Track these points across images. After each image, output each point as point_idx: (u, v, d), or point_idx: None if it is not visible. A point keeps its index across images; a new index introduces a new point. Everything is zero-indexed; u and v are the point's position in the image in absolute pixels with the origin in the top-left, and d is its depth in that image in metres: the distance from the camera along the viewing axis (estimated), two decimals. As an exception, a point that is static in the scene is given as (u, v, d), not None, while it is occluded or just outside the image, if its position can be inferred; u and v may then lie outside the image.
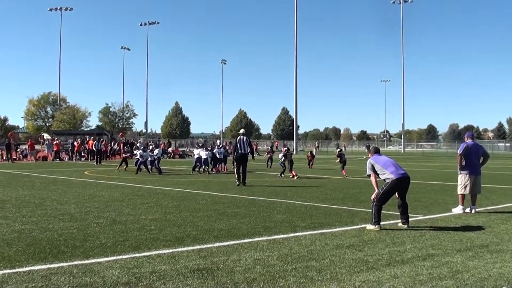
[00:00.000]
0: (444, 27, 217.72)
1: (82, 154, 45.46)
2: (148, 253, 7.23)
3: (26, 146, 44.57)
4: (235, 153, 19.19)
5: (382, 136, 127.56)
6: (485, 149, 12.86)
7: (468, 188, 12.01)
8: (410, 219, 9.78)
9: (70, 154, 44.64)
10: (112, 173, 25.36)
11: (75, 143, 45.04)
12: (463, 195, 12.04)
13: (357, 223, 9.99)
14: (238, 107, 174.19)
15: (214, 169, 26.85)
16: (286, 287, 5.67)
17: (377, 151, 10.34)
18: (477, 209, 11.84)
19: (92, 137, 45.92)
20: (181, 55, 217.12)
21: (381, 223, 9.37)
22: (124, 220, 10.22)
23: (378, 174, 9.84)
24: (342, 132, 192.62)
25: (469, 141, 12.37)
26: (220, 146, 29.74)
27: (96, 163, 36.34)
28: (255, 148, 42.25)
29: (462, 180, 12.15)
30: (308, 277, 6.06)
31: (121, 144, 49.83)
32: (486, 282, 5.93)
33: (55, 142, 44.19)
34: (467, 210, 11.77)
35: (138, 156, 26.50)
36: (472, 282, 5.92)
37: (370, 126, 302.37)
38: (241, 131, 20.36)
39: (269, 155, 31.52)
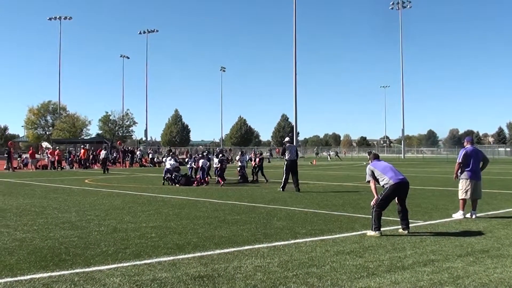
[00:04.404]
0: (443, 32, 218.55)
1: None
2: (149, 261, 7.24)
3: (27, 155, 44.57)
4: (285, 160, 19.93)
5: (382, 142, 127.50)
6: (485, 154, 12.86)
7: (469, 193, 12.02)
8: (410, 225, 9.78)
9: (70, 163, 44.64)
10: (113, 181, 25.33)
11: (55, 152, 45.10)
12: (464, 200, 12.04)
13: (357, 229, 9.99)
14: (238, 114, 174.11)
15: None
16: (287, 294, 5.67)
17: (376, 157, 10.36)
18: (477, 214, 11.84)
19: (82, 146, 46.19)
20: (180, 63, 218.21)
21: (382, 229, 9.37)
22: (125, 228, 10.23)
23: (377, 180, 9.86)
24: (342, 138, 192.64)
25: (468, 146, 12.39)
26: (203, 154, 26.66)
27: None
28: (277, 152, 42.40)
29: (463, 185, 12.16)
30: (308, 283, 6.06)
31: (120, 153, 49.98)
32: (487, 287, 5.94)
33: (56, 151, 44.26)
34: (468, 215, 11.77)
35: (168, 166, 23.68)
36: (472, 287, 5.93)
37: (370, 132, 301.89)
38: (287, 139, 21.62)
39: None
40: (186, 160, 23.81)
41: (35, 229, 10.14)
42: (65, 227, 10.41)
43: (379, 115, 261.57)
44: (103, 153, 37.43)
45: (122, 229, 10.14)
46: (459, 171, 12.26)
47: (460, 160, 12.22)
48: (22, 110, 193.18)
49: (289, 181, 19.39)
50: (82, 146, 46.51)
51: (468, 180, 12.11)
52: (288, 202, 15.06)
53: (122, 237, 9.16)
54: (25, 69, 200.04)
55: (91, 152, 46.13)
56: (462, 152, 12.32)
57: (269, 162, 46.16)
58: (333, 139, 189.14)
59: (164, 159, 26.26)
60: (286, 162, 19.82)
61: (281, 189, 19.10)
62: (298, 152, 20.79)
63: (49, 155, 43.76)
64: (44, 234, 9.47)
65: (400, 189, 9.65)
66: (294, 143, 77.44)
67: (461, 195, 12.14)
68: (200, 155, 25.63)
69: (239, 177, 25.11)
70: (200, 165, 23.58)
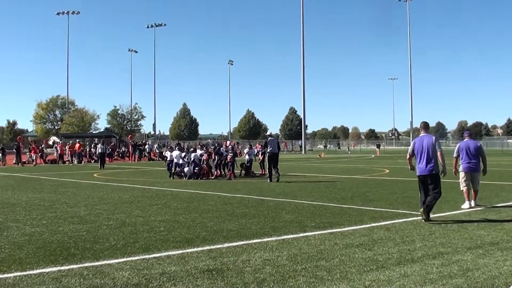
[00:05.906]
0: (451, 24, 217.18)
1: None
2: (158, 255, 7.25)
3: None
4: (266, 153, 21.36)
5: (390, 135, 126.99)
6: (482, 149, 12.81)
7: (464, 183, 12.42)
8: (419, 218, 9.84)
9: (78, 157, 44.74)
10: (121, 175, 25.39)
11: (58, 146, 45.07)
12: (465, 191, 12.40)
13: (366, 222, 9.96)
14: (246, 108, 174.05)
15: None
16: (296, 287, 5.67)
17: (424, 128, 10.49)
18: (484, 206, 12.17)
19: (78, 140, 46.18)
20: (188, 56, 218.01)
21: (391, 221, 9.42)
22: (134, 222, 10.25)
23: None
24: (350, 131, 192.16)
25: (465, 140, 12.82)
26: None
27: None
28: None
29: (460, 177, 12.62)
30: (318, 276, 6.05)
31: (130, 146, 50.08)
32: (497, 279, 5.91)
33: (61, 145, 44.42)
34: (472, 203, 12.21)
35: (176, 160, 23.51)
36: (482, 280, 5.90)
37: (378, 125, 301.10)
38: (268, 133, 23.53)
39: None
40: (183, 155, 23.47)
41: (44, 223, 10.18)
42: (74, 221, 10.44)
43: (388, 107, 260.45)
44: (99, 147, 36.86)
45: (131, 223, 10.16)
46: (456, 166, 12.74)
47: (455, 155, 12.74)
48: (31, 105, 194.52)
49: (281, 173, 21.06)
50: (77, 140, 46.52)
51: (463, 171, 12.55)
52: (297, 195, 15.04)
53: (131, 231, 9.18)
54: (34, 64, 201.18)
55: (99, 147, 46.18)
56: (456, 147, 12.94)
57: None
58: (341, 132, 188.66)
59: (168, 153, 25.69)
60: (268, 154, 21.14)
61: (268, 180, 20.39)
62: (280, 146, 22.77)
63: (65, 148, 43.89)
64: (53, 229, 9.51)
65: (421, 181, 9.82)
66: (302, 136, 77.69)
67: (461, 187, 12.60)
68: (192, 149, 25.49)
69: (244, 171, 24.70)
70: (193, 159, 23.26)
